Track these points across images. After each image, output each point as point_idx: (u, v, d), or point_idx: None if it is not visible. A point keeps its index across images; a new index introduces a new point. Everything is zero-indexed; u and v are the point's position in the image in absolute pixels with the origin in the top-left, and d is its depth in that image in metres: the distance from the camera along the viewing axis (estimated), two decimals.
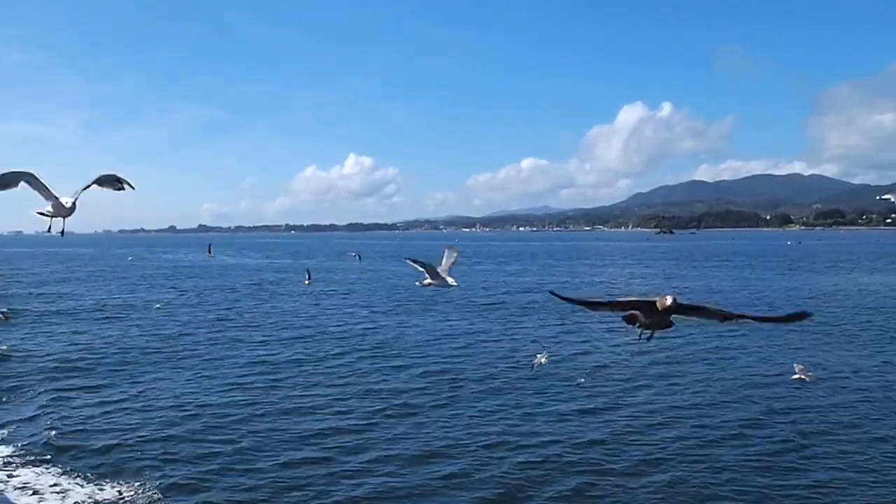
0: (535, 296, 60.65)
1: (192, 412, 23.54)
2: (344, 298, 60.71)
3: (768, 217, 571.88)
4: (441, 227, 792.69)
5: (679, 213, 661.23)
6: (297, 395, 26.02)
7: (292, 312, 50.60)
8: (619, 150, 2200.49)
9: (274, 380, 28.54)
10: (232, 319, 46.92)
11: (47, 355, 33.26)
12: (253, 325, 44.29)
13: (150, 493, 16.73)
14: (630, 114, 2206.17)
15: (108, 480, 17.53)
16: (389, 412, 23.48)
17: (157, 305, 53.85)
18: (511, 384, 27.16)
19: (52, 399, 25.35)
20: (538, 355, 22.41)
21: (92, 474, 17.89)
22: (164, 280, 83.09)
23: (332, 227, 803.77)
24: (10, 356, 32.80)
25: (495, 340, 37.92)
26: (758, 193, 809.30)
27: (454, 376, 28.78)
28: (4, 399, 25.57)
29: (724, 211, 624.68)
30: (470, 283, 74.44)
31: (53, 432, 20.98)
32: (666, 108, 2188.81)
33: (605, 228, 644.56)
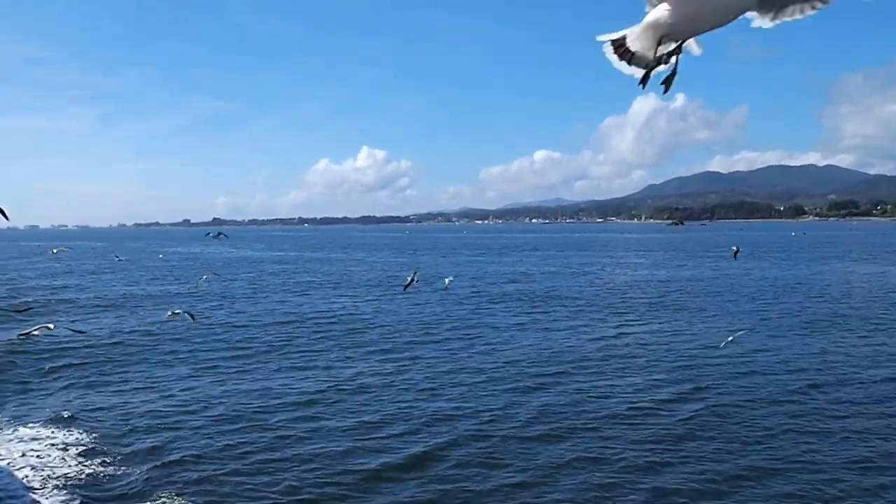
0: (519, 286, 62.87)
1: (167, 392, 25.96)
2: (334, 288, 63.14)
3: (782, 208, 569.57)
4: (454, 219, 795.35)
5: (692, 204, 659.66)
6: (262, 376, 28.41)
7: (280, 300, 53.06)
8: (632, 141, 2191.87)
9: (246, 361, 30.94)
10: (222, 307, 49.40)
11: (54, 342, 35.81)
12: (242, 312, 46.76)
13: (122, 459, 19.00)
14: (643, 105, 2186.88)
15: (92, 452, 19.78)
16: (342, 388, 25.79)
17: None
18: (460, 367, 29.42)
19: (62, 382, 27.75)
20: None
21: (92, 447, 20.07)
22: (168, 272, 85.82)
23: (345, 220, 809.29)
24: (26, 343, 34.80)
25: (465, 327, 40.08)
26: (772, 185, 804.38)
27: (410, 359, 31.08)
28: (23, 381, 27.78)
29: (738, 202, 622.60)
30: (461, 273, 76.71)
31: (64, 412, 23.04)
32: (679, 99, 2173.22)
33: (618, 220, 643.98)
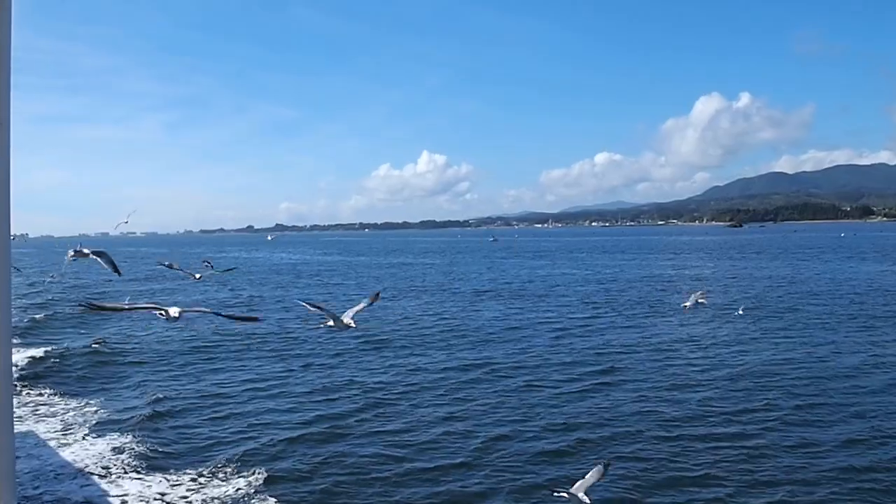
0: (526, 284, 67.30)
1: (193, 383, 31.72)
2: (356, 287, 68.91)
3: (848, 209, 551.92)
4: (514, 223, 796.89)
5: (757, 205, 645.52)
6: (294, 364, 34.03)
7: (296, 296, 59.00)
8: (695, 142, 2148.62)
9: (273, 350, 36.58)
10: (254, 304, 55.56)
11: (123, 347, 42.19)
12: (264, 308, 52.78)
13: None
14: (706, 105, 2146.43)
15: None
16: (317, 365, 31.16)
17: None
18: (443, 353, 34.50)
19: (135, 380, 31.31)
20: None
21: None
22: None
23: (406, 225, 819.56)
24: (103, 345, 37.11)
25: (454, 318, 45.05)
26: (841, 184, 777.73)
27: (385, 339, 36.40)
28: (102, 382, 29.51)
29: (802, 203, 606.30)
30: (471, 273, 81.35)
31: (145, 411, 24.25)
32: (744, 98, 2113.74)
33: (679, 223, 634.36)
